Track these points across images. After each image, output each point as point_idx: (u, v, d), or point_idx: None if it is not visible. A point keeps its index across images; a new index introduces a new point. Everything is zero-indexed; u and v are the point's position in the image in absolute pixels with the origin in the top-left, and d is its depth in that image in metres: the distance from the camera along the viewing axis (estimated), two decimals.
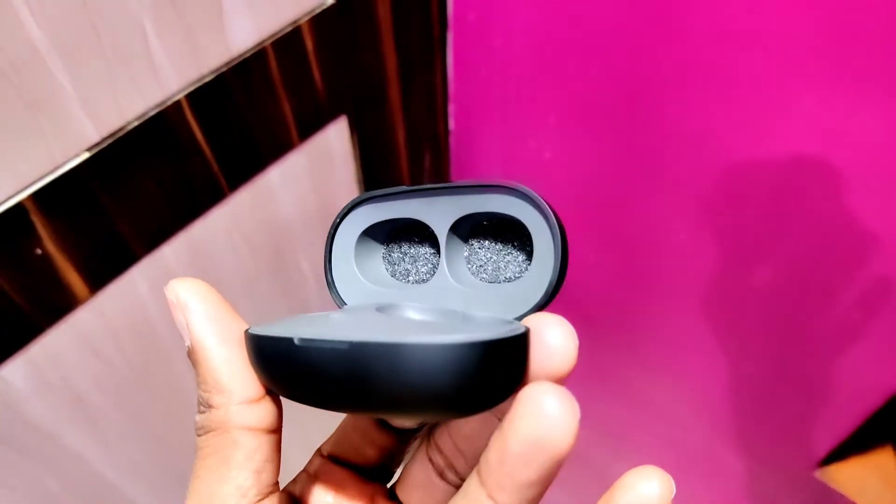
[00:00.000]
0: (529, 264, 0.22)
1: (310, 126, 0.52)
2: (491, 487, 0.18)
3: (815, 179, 0.44)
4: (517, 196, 0.21)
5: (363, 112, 0.56)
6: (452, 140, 0.69)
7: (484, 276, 0.24)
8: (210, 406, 0.20)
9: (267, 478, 0.20)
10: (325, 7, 0.47)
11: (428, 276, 0.25)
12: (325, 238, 0.25)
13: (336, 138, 0.56)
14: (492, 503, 0.18)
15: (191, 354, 0.20)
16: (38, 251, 0.38)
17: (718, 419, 0.67)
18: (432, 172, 0.71)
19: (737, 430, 0.66)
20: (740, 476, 0.70)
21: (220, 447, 0.20)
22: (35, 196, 0.37)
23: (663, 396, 0.70)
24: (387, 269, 0.26)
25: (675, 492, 0.19)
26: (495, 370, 0.17)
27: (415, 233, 0.25)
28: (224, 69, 0.43)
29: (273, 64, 0.46)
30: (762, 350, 0.57)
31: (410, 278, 0.25)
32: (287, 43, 0.46)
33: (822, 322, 0.51)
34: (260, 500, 0.20)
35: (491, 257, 0.24)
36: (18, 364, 0.41)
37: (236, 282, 0.54)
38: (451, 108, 0.66)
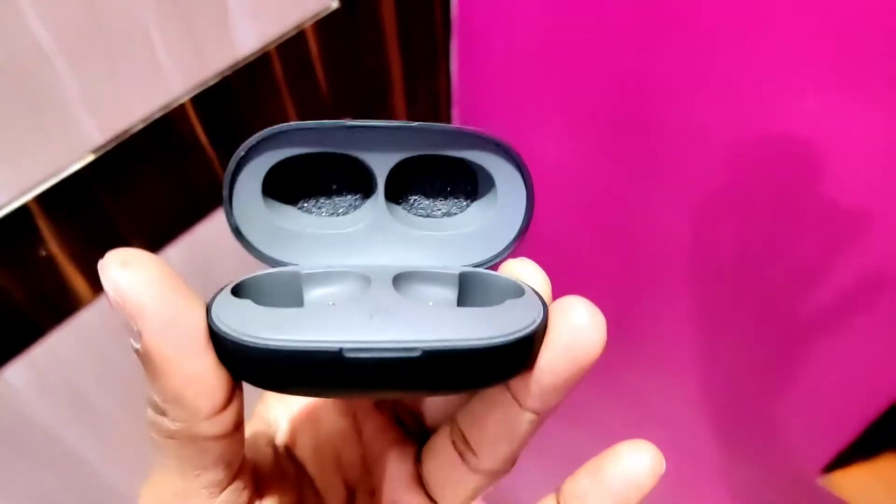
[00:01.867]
0: (470, 208, 0.22)
1: None
2: (516, 391, 0.18)
3: (819, 181, 0.44)
4: (469, 139, 0.20)
5: (367, 115, 0.56)
6: None
7: (425, 220, 0.22)
8: (168, 416, 0.17)
9: (238, 461, 0.19)
10: (329, 11, 0.47)
11: (356, 220, 0.22)
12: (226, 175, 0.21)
13: None
14: (517, 406, 0.19)
15: (140, 357, 0.16)
16: (43, 253, 0.38)
17: (720, 424, 0.67)
18: None
19: (738, 435, 0.66)
20: (742, 483, 0.70)
21: (183, 453, 0.18)
22: (40, 198, 0.37)
23: (663, 401, 0.70)
24: (304, 209, 0.22)
25: (664, 470, 0.19)
26: (536, 347, 0.17)
27: (340, 171, 0.22)
28: (229, 72, 0.43)
29: (277, 67, 0.46)
30: (764, 354, 0.57)
31: (335, 219, 0.22)
32: (292, 46, 0.46)
33: (826, 326, 0.51)
34: (232, 479, 0.19)
35: (433, 202, 0.23)
36: (21, 365, 0.41)
37: None
38: (455, 112, 0.66)
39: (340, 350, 0.15)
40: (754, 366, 0.59)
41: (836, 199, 0.44)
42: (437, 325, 0.16)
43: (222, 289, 0.18)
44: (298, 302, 0.20)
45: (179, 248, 0.46)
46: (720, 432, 0.68)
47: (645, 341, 0.66)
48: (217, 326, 0.16)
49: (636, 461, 0.19)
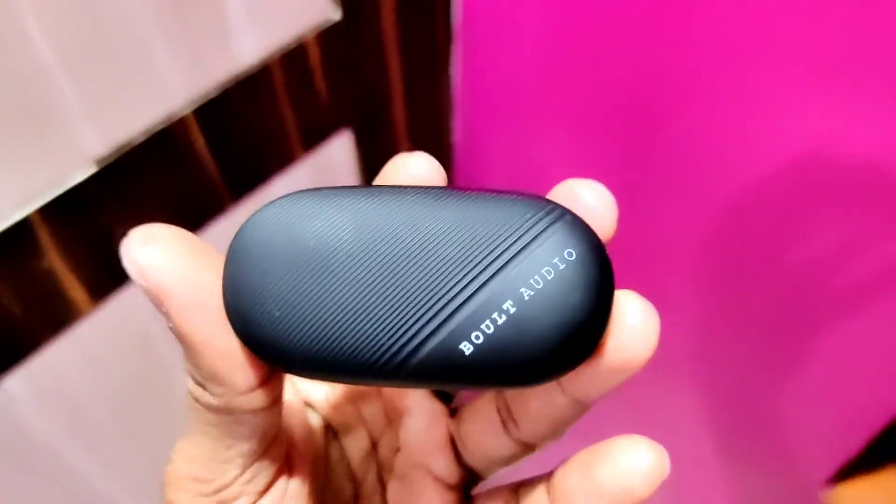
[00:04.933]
0: None
1: (314, 139, 0.52)
2: (565, 384, 0.18)
3: (824, 188, 0.44)
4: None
5: (368, 125, 0.56)
6: (458, 153, 0.69)
7: None
8: (206, 390, 0.17)
9: (273, 433, 0.19)
10: (331, 23, 0.47)
11: None
12: None
13: (340, 151, 0.56)
14: (560, 390, 0.18)
15: (175, 334, 0.16)
16: (44, 265, 0.38)
17: (722, 433, 0.67)
18: None
19: (739, 449, 0.66)
20: (743, 496, 0.70)
21: (221, 423, 0.18)
22: (42, 210, 0.37)
23: (665, 410, 0.70)
24: None
25: (667, 474, 0.17)
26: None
27: None
28: (230, 84, 0.43)
29: (279, 79, 0.46)
30: (768, 365, 0.57)
31: None
32: (293, 58, 0.46)
33: (833, 333, 0.50)
34: (266, 451, 0.19)
35: None
36: (19, 377, 0.40)
37: None
38: (457, 122, 0.66)
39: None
40: (758, 375, 0.58)
41: (847, 207, 0.44)
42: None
43: None
44: None
45: None
46: (722, 441, 0.67)
47: None
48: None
49: (633, 462, 0.17)
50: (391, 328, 0.16)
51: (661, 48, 0.46)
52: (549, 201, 0.17)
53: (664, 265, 0.58)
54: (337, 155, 0.55)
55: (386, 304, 0.16)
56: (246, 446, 0.18)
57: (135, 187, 0.41)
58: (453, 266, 0.16)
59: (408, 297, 0.16)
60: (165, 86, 0.40)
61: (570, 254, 0.16)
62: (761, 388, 0.59)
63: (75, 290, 0.41)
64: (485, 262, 0.16)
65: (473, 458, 0.22)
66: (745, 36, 0.42)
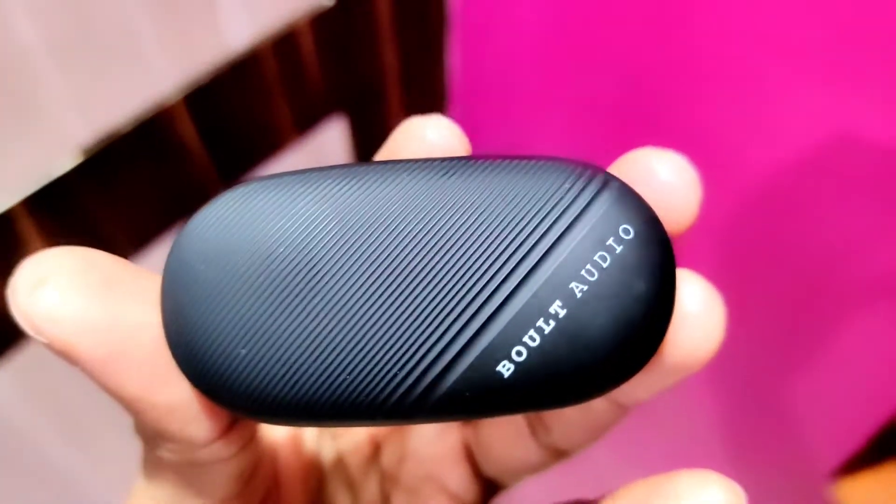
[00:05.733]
0: None
1: (307, 126, 0.51)
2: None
3: (826, 184, 0.44)
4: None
5: (363, 112, 0.56)
6: None
7: None
8: (158, 447, 0.14)
9: (250, 470, 0.16)
10: (324, 8, 0.46)
11: None
12: None
13: (335, 138, 0.55)
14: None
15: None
16: (28, 257, 0.37)
17: (724, 433, 0.66)
18: None
19: (743, 444, 0.66)
20: (748, 490, 0.70)
21: (182, 474, 0.14)
22: (26, 202, 0.36)
23: (667, 410, 0.70)
24: None
25: None
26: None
27: None
28: (220, 69, 0.42)
29: (270, 66, 0.45)
30: (769, 362, 0.56)
31: None
32: (285, 44, 0.45)
33: (833, 333, 0.50)
34: (245, 487, 0.16)
35: None
36: (3, 371, 0.40)
37: None
38: (452, 109, 0.66)
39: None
40: (763, 371, 0.58)
41: (847, 204, 0.43)
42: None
43: None
44: None
45: (169, 247, 0.45)
46: (727, 436, 0.67)
47: None
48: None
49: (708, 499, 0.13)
50: (403, 354, 0.12)
51: (661, 40, 0.45)
52: (586, 164, 0.13)
53: None
54: (331, 142, 0.54)
55: (393, 323, 0.12)
56: (219, 493, 0.15)
57: (122, 177, 0.40)
58: (478, 262, 0.12)
59: (422, 310, 0.12)
60: (153, 72, 0.39)
61: (626, 231, 0.12)
62: (767, 384, 0.58)
63: None
64: (520, 253, 0.12)
65: (495, 468, 0.19)
66: (746, 27, 0.41)
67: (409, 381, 0.12)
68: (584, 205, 0.12)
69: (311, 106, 0.50)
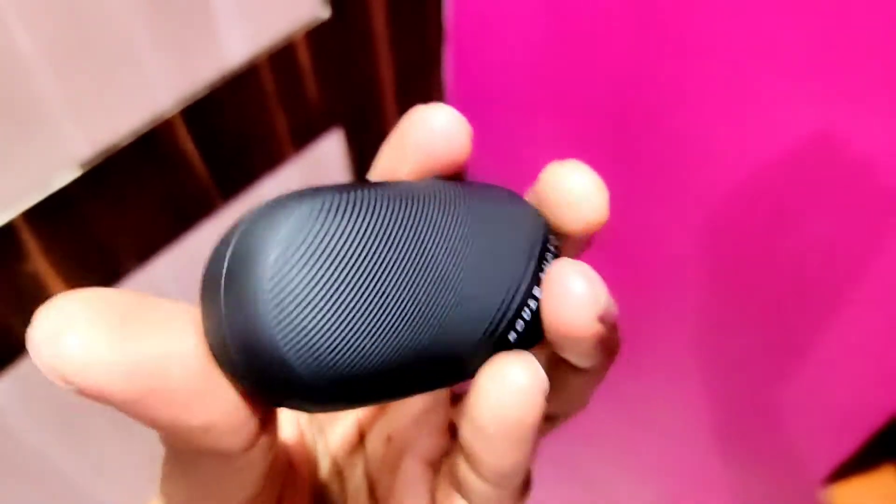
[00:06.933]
0: None
1: (305, 139, 0.51)
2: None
3: (818, 190, 0.44)
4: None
5: (359, 124, 0.56)
6: None
7: None
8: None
9: (267, 466, 0.16)
10: (320, 21, 0.46)
11: None
12: None
13: (332, 151, 0.55)
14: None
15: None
16: (28, 268, 0.38)
17: (717, 437, 0.66)
18: None
19: (736, 449, 0.66)
20: (741, 494, 0.70)
21: (213, 476, 0.15)
22: (26, 214, 0.36)
23: (661, 414, 0.70)
24: None
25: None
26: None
27: None
28: (218, 83, 0.42)
29: (267, 78, 0.45)
30: (762, 366, 0.56)
31: None
32: (282, 56, 0.45)
33: (824, 338, 0.50)
34: (261, 484, 0.16)
35: None
36: (6, 382, 0.40)
37: None
38: None
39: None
40: (755, 374, 0.58)
41: (838, 209, 0.44)
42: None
43: None
44: None
45: (167, 260, 0.46)
46: (720, 440, 0.67)
47: (643, 350, 0.66)
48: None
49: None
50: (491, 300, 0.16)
51: (653, 44, 0.46)
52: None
53: (659, 263, 0.58)
54: (328, 154, 0.55)
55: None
56: (247, 492, 0.15)
57: (121, 190, 0.40)
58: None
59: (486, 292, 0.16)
60: (152, 86, 0.39)
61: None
62: (758, 388, 0.58)
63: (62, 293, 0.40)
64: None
65: None
66: (737, 31, 0.41)
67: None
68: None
69: (308, 118, 0.50)
